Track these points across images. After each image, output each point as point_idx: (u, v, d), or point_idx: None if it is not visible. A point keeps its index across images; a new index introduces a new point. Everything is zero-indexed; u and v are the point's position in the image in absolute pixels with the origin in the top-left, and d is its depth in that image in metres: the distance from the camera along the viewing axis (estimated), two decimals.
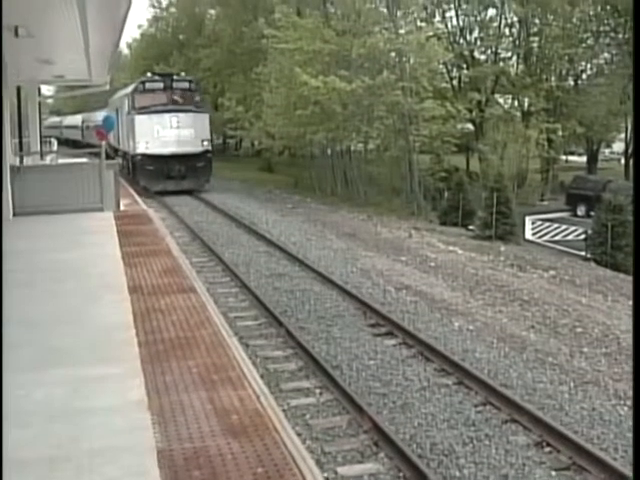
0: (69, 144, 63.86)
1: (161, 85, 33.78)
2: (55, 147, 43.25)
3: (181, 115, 32.58)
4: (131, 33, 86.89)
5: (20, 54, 15.05)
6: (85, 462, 4.79)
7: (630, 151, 48.89)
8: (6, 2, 9.03)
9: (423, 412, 9.02)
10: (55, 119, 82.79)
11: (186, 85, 34.54)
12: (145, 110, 32.66)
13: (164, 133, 32.19)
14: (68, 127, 72.44)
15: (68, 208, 16.39)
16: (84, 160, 25.90)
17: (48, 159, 28.23)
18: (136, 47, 74.05)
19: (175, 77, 34.99)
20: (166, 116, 32.32)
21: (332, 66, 36.07)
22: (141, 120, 32.45)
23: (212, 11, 61.88)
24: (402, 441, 8.08)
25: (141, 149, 32.36)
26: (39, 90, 30.44)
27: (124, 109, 36.12)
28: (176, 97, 33.54)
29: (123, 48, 73.15)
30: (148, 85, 34.12)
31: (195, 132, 32.77)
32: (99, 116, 52.83)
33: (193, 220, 24.56)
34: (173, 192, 31.67)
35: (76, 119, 68.53)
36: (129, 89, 36.68)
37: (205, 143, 33.39)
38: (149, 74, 36.68)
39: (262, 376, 8.73)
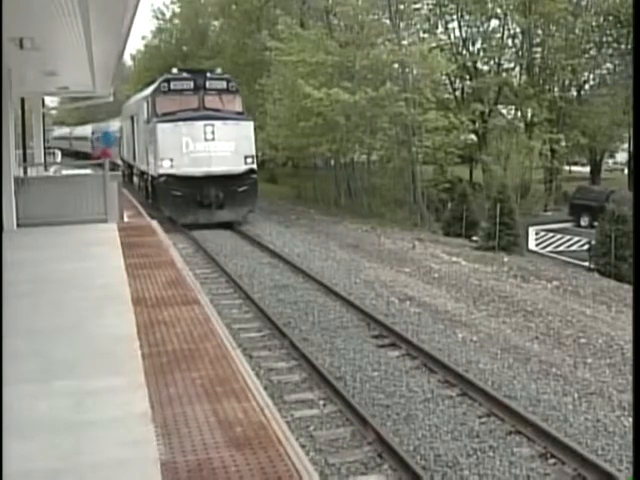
0: (79, 157, 60.39)
1: (191, 84, 26.14)
2: (59, 158, 43.32)
3: (218, 124, 25.08)
4: (135, 45, 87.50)
5: (24, 66, 15.13)
6: (88, 475, 4.78)
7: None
8: (11, 14, 9.08)
9: (427, 423, 9.00)
10: (64, 130, 79.40)
11: (223, 84, 26.74)
12: (170, 117, 25.35)
13: (195, 147, 24.73)
14: (77, 138, 68.22)
15: (72, 219, 16.41)
16: (88, 171, 25.70)
17: (52, 170, 28.31)
18: (140, 58, 74.15)
19: (209, 74, 27.04)
20: (198, 125, 24.90)
21: (335, 78, 36.13)
22: (165, 130, 24.93)
23: (215, 22, 62.03)
24: (406, 452, 8.06)
25: (165, 168, 24.72)
26: (43, 101, 30.60)
27: (142, 116, 28.69)
28: (211, 100, 26.14)
29: (127, 60, 73.44)
30: (174, 84, 26.28)
31: (236, 146, 25.14)
32: (111, 126, 48.31)
33: (197, 231, 24.57)
34: (206, 226, 24.88)
35: (85, 130, 64.47)
36: (148, 90, 29.06)
37: (249, 160, 25.54)
38: (175, 70, 27.92)
39: (266, 388, 8.74)
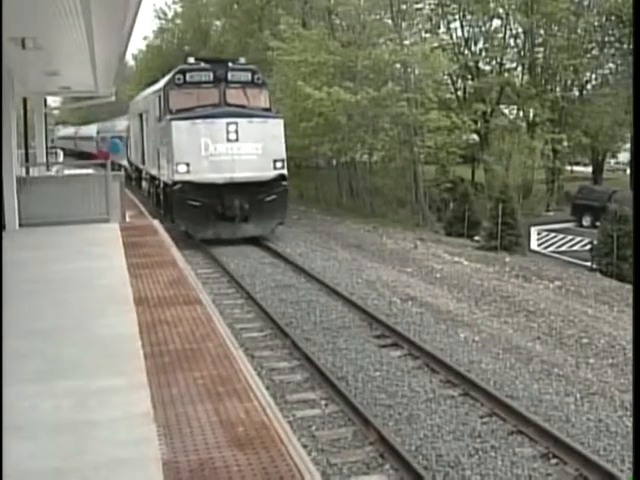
0: (84, 157, 56.22)
1: (210, 76, 22.59)
2: (61, 158, 43.28)
3: (242, 122, 21.61)
4: (137, 44, 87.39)
5: (26, 66, 15.14)
6: (91, 474, 4.78)
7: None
8: (13, 14, 9.08)
9: (429, 423, 9.00)
10: (69, 130, 76.77)
11: (248, 76, 23.08)
12: (186, 114, 21.88)
13: (216, 150, 21.27)
14: (82, 138, 64.87)
15: (74, 219, 16.42)
16: (90, 171, 25.57)
17: (54, 170, 28.28)
18: (142, 58, 74.21)
19: (231, 65, 23.33)
20: (219, 123, 21.46)
21: (337, 77, 36.15)
22: (180, 129, 21.44)
23: (217, 22, 62.12)
24: (408, 452, 8.06)
25: (180, 174, 21.22)
26: (45, 101, 30.58)
27: (153, 113, 25.12)
28: (233, 94, 22.63)
29: (129, 59, 73.44)
30: (190, 76, 22.70)
31: (264, 148, 21.72)
32: (118, 125, 44.58)
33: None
34: (229, 241, 21.65)
35: (91, 129, 60.93)
36: (160, 83, 25.02)
37: (278, 165, 22.12)
38: (191, 59, 24.21)
39: (268, 388, 8.74)
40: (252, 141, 21.56)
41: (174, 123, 21.52)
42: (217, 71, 22.54)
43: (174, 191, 21.46)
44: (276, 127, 22.31)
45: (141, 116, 28.67)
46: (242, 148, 21.43)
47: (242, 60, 24.49)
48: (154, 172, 25.14)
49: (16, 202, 15.76)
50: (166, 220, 21.53)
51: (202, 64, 23.25)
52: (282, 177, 22.22)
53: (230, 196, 21.36)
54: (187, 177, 21.20)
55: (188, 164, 21.19)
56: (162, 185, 23.39)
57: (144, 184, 29.26)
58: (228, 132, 21.27)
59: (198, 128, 21.32)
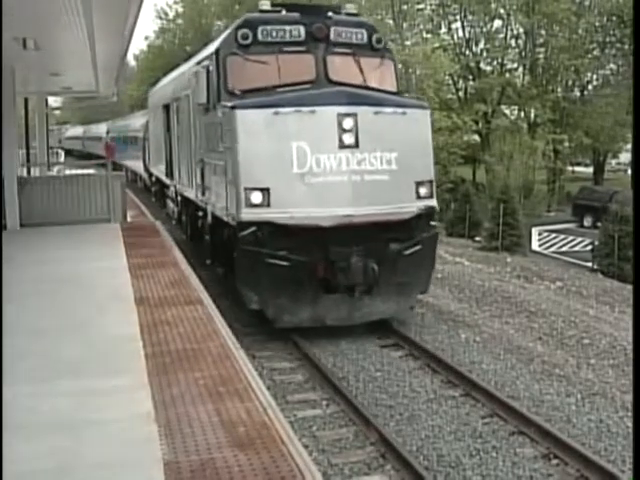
0: (93, 159, 46.86)
1: (299, 31, 12.61)
2: (62, 158, 43.27)
3: (365, 113, 11.67)
4: (138, 44, 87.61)
5: (28, 66, 15.16)
6: (91, 474, 4.79)
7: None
8: (14, 14, 9.09)
9: (430, 424, 8.99)
10: (77, 129, 72.55)
11: (362, 35, 13.09)
12: (261, 99, 11.86)
13: (320, 164, 11.36)
14: (91, 139, 57.90)
15: (75, 219, 16.43)
16: (91, 171, 25.46)
17: (55, 170, 28.28)
18: (143, 58, 74.35)
19: (333, 15, 13.03)
20: (325, 115, 11.46)
21: None
22: (251, 125, 11.51)
23: (219, 22, 62.22)
24: (409, 453, 8.04)
25: (253, 210, 11.35)
26: (46, 101, 30.60)
27: (192, 99, 14.79)
28: (341, 64, 12.87)
29: (130, 60, 73.56)
30: (264, 31, 12.52)
31: (400, 161, 11.87)
32: (132, 123, 37.65)
33: None
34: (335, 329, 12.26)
35: (100, 129, 53.40)
36: (209, 48, 13.90)
37: (423, 191, 12.39)
38: (266, 3, 12.81)
39: (269, 388, 8.73)
40: (382, 148, 11.80)
41: (240, 113, 11.60)
42: (312, 24, 12.68)
43: (241, 240, 11.50)
44: (420, 124, 12.57)
45: (167, 108, 19.24)
46: (365, 161, 11.65)
47: (351, 8, 13.85)
48: (194, 196, 15.34)
49: (17, 202, 15.76)
50: (205, 268, 14.61)
51: (284, 13, 12.88)
52: (430, 213, 12.73)
53: (345, 249, 11.67)
54: (266, 215, 11.40)
55: (267, 190, 11.41)
56: (211, 221, 13.62)
57: (171, 205, 20.49)
58: (341, 131, 11.49)
59: (285, 123, 11.52)
